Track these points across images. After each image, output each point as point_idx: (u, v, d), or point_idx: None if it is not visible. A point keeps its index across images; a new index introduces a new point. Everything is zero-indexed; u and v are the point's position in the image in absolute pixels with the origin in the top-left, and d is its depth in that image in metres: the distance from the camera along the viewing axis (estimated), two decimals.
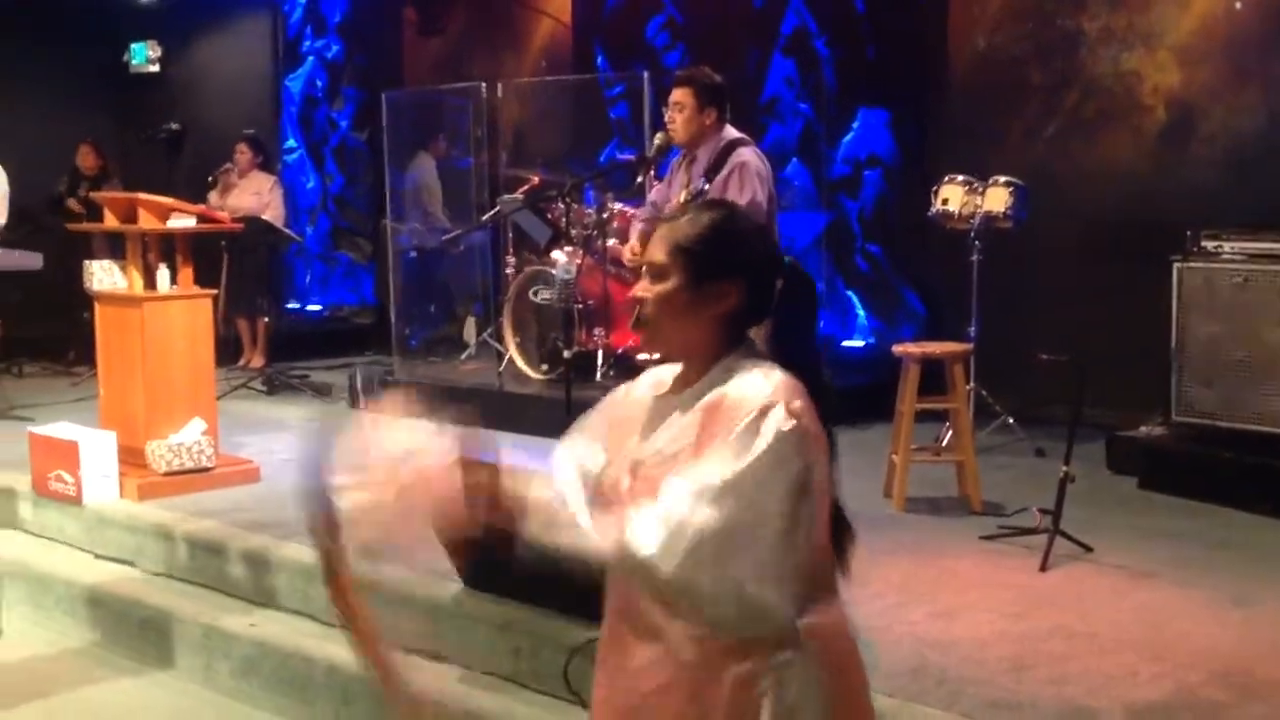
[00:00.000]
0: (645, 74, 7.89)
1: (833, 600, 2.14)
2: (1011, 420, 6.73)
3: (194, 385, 6.21)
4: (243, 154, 9.65)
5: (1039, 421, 6.63)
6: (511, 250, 8.45)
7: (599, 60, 9.79)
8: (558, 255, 7.52)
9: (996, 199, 6.69)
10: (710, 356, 2.13)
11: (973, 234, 6.72)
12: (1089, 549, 4.88)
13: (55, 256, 8.67)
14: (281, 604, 5.02)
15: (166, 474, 6.00)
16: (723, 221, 2.17)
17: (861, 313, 8.63)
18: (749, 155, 5.37)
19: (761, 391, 2.02)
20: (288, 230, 9.65)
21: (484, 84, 9.16)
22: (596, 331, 7.33)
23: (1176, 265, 5.94)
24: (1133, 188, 7.15)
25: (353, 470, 2.05)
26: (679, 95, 5.46)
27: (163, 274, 6.25)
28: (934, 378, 5.71)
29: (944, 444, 6.06)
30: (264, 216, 9.17)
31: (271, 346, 9.47)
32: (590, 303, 7.31)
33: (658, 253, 2.15)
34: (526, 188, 8.29)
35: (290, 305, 11.97)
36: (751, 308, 2.15)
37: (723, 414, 2.03)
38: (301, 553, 5.06)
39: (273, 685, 4.66)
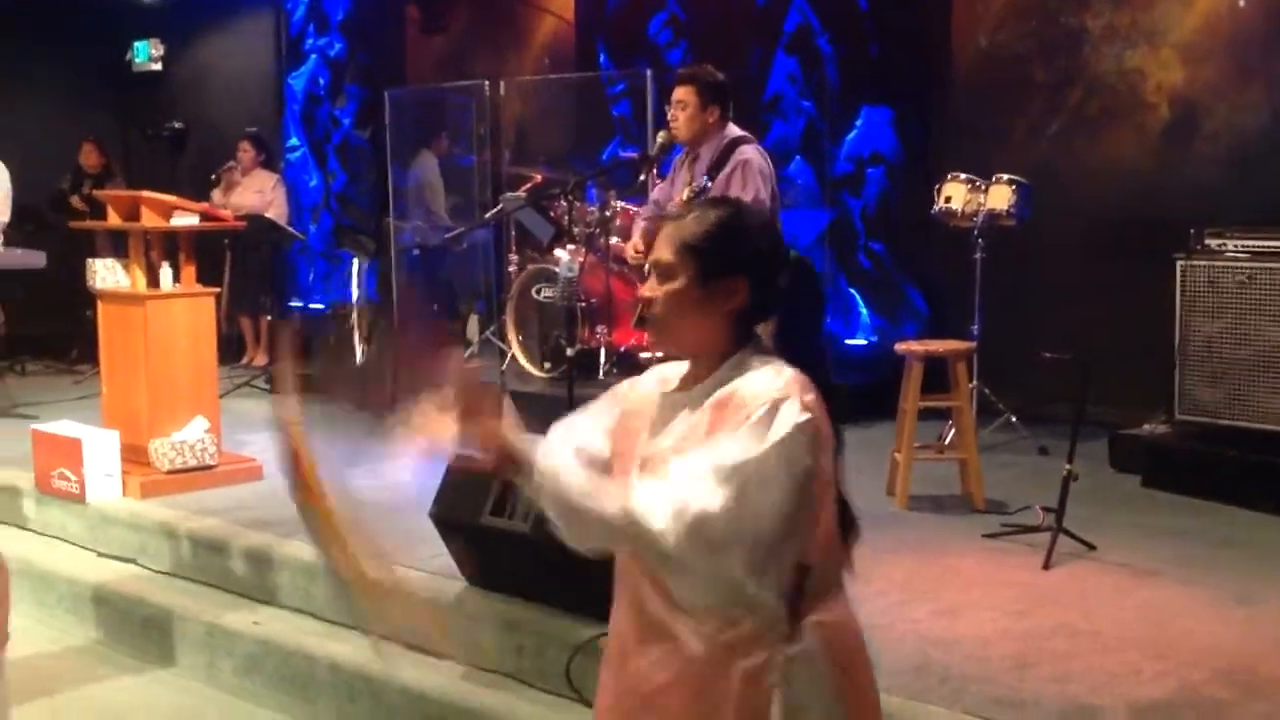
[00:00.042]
0: (648, 72, 7.91)
1: (839, 597, 2.15)
2: (1014, 418, 6.73)
3: (197, 383, 6.22)
4: (245, 152, 9.67)
5: (1042, 419, 6.62)
6: (514, 248, 8.46)
7: (602, 58, 9.78)
8: (560, 253, 7.52)
9: (999, 197, 6.69)
10: (720, 354, 2.13)
11: (976, 232, 6.72)
12: (1092, 547, 4.87)
13: (58, 255, 8.68)
14: (284, 602, 5.02)
15: (169, 472, 6.00)
16: (729, 218, 2.17)
17: (864, 311, 8.63)
18: (752, 153, 5.36)
19: (773, 386, 2.02)
20: (290, 228, 9.65)
21: (487, 82, 9.17)
22: (599, 329, 7.34)
23: (1180, 263, 5.93)
24: (1136, 185, 7.14)
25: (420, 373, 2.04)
26: (681, 93, 5.46)
27: (166, 272, 6.26)
28: (937, 376, 5.70)
29: (947, 442, 6.06)
30: (267, 215, 9.18)
31: (274, 345, 9.47)
32: (593, 301, 7.31)
33: (665, 252, 2.15)
34: (529, 186, 8.30)
35: (293, 303, 11.97)
36: (759, 304, 2.15)
37: (733, 408, 2.03)
38: (304, 551, 5.06)
39: (275, 683, 4.66)
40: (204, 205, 6.98)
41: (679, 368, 2.23)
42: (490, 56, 10.59)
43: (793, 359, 2.11)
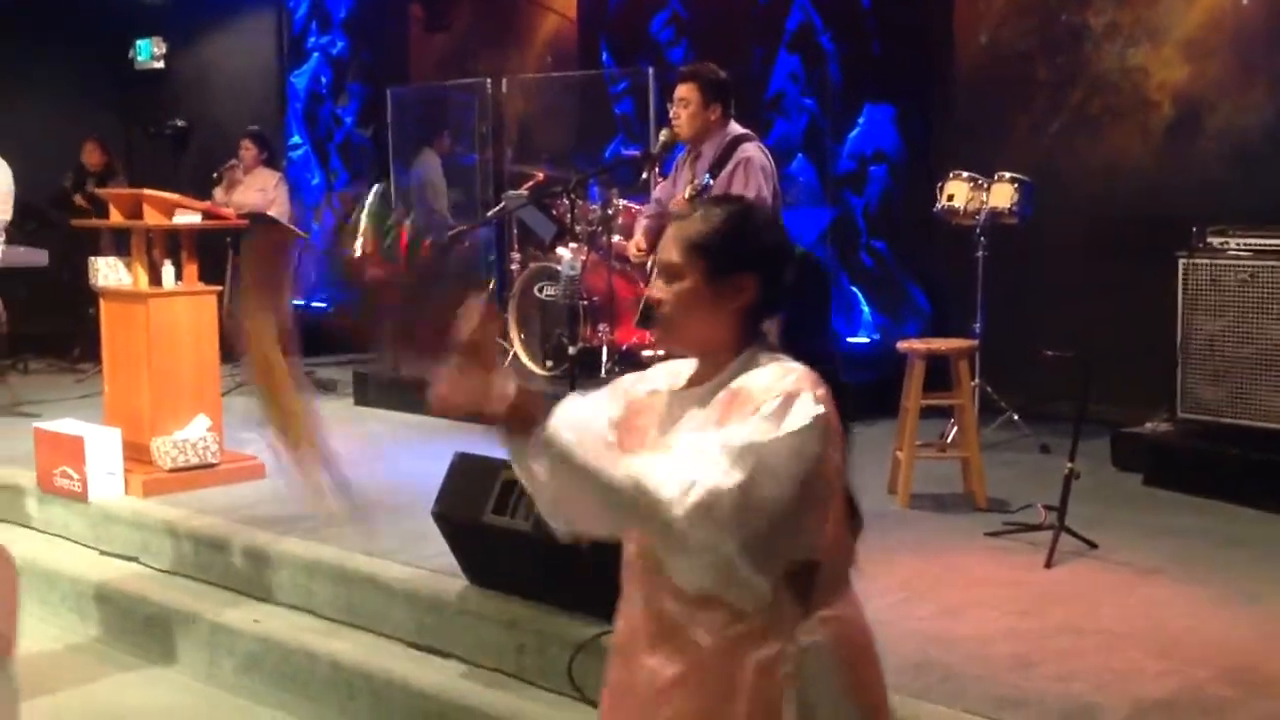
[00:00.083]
0: (650, 70, 7.90)
1: (848, 594, 2.15)
2: (1016, 416, 6.73)
3: (199, 381, 6.22)
4: (248, 150, 9.65)
5: (1044, 418, 6.62)
6: (516, 246, 8.45)
7: (604, 56, 9.77)
8: (562, 251, 7.52)
9: (1002, 195, 6.68)
10: (729, 351, 2.13)
11: (978, 230, 6.72)
12: (1094, 545, 4.87)
13: (61, 253, 8.69)
14: (285, 600, 5.02)
15: (171, 470, 6.01)
16: (736, 216, 2.16)
17: (866, 309, 8.62)
18: (753, 151, 5.36)
19: (784, 381, 2.03)
20: (293, 227, 9.65)
21: (489, 80, 9.17)
22: (601, 328, 7.33)
23: (1182, 261, 5.92)
24: (1138, 183, 7.14)
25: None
26: (683, 91, 5.46)
27: (168, 270, 6.26)
28: (939, 374, 5.70)
29: (949, 440, 6.05)
30: (269, 213, 9.17)
31: None
32: (595, 299, 7.31)
33: (671, 252, 2.14)
34: (531, 184, 8.29)
35: (295, 302, 11.96)
36: (768, 301, 2.14)
37: (743, 402, 2.03)
38: (307, 549, 5.07)
39: (276, 681, 4.67)
40: (206, 203, 6.98)
41: (686, 365, 2.22)
42: (492, 55, 10.59)
43: (800, 355, 2.11)
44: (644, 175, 6.64)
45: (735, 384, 2.07)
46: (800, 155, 8.72)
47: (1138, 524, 5.27)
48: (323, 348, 10.17)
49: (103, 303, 6.41)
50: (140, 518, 5.71)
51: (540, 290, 7.65)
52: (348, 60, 11.84)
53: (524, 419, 1.93)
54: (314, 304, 12.07)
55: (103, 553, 5.77)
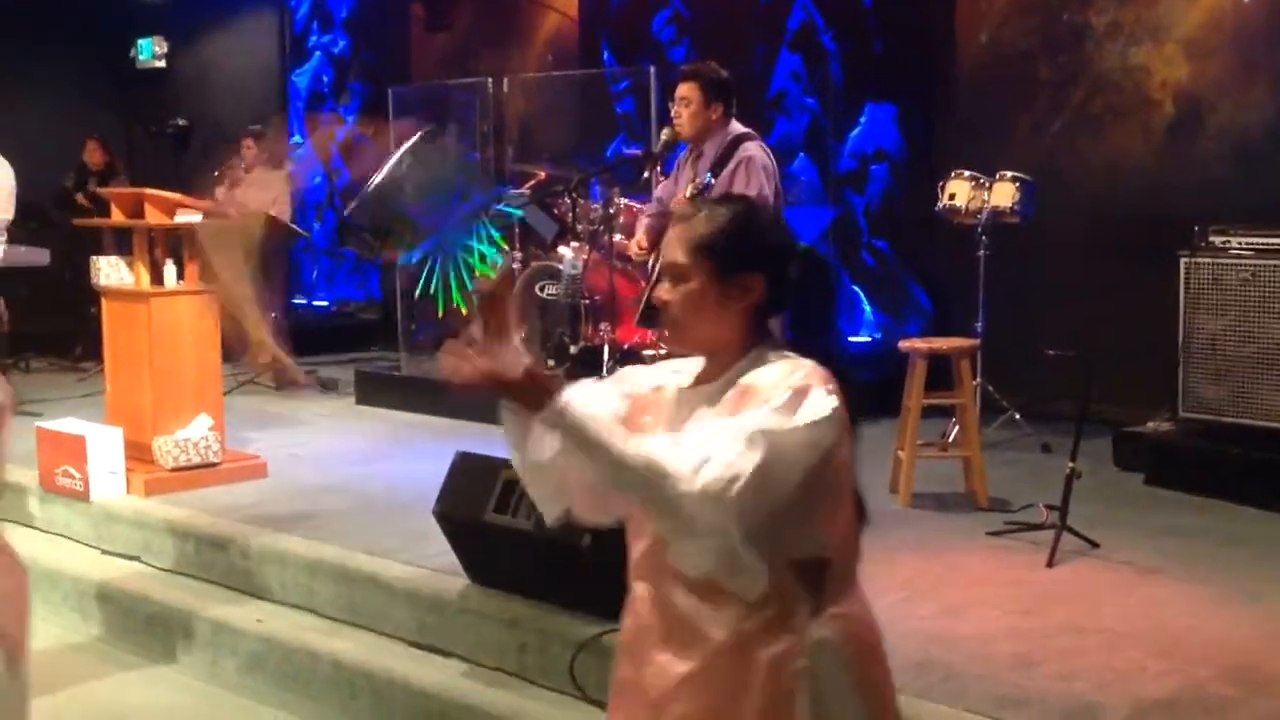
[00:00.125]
0: (651, 69, 7.88)
1: (856, 592, 2.16)
2: (1018, 416, 6.73)
3: (201, 381, 6.22)
4: (250, 149, 9.66)
5: (1045, 417, 6.62)
6: (518, 245, 8.44)
7: (605, 55, 9.77)
8: (564, 250, 7.52)
9: (1003, 194, 6.68)
10: (738, 350, 2.13)
11: (980, 229, 6.72)
12: (1096, 545, 4.87)
13: (62, 252, 8.69)
14: (287, 600, 5.02)
15: (173, 469, 6.01)
16: (740, 215, 2.16)
17: (868, 308, 8.62)
18: (755, 150, 5.36)
19: (795, 376, 2.03)
20: (294, 225, 9.65)
21: (490, 79, 9.14)
22: (602, 327, 7.32)
23: (1184, 260, 5.92)
24: (1140, 182, 7.13)
25: None
26: (685, 90, 5.46)
27: (169, 269, 6.26)
28: (940, 373, 5.70)
29: (950, 440, 6.05)
30: (271, 212, 9.16)
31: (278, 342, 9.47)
32: (596, 298, 7.30)
33: (677, 254, 2.13)
34: (533, 183, 8.28)
35: (297, 300, 11.97)
36: (775, 298, 2.15)
37: (755, 396, 2.03)
38: (308, 549, 5.07)
39: (278, 680, 4.67)
40: (208, 202, 6.97)
41: (692, 363, 2.22)
42: (494, 54, 10.59)
43: (807, 352, 2.11)
44: (645, 174, 6.63)
45: (745, 380, 2.07)
46: (802, 154, 8.72)
47: (1139, 523, 5.27)
48: (324, 347, 10.20)
49: (104, 302, 6.41)
50: (142, 517, 5.72)
51: (542, 289, 7.65)
52: (349, 59, 11.84)
53: (537, 389, 1.94)
54: (315, 303, 12.09)
55: (104, 552, 5.77)
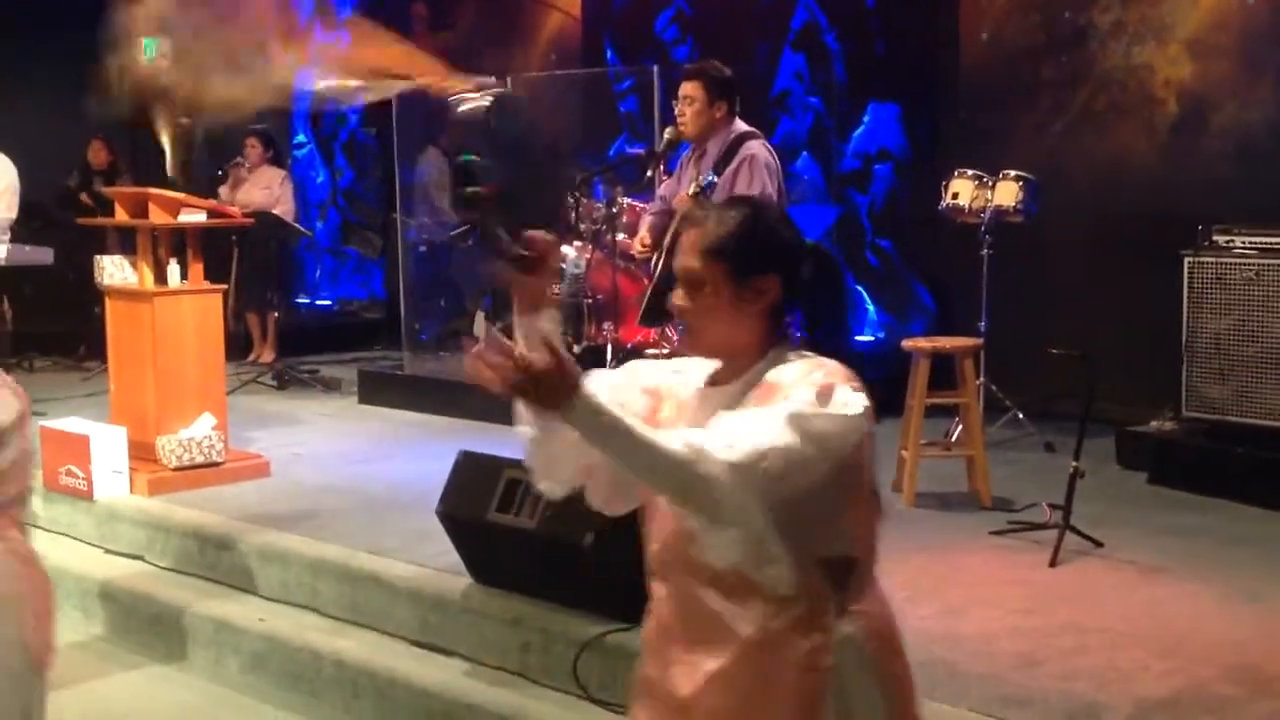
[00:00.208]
0: (655, 68, 7.87)
1: (875, 591, 2.17)
2: (1021, 415, 6.72)
3: (204, 380, 6.23)
4: (253, 149, 9.67)
5: (1049, 416, 6.61)
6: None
7: (608, 54, 9.78)
8: (567, 250, 7.52)
9: (1007, 193, 6.68)
10: (756, 352, 2.12)
11: (983, 228, 6.71)
12: (1099, 544, 4.86)
13: (66, 251, 8.68)
14: (290, 599, 5.02)
15: (177, 469, 6.01)
16: (749, 217, 2.15)
17: (871, 307, 8.62)
18: (758, 149, 5.36)
19: (817, 374, 2.04)
20: (298, 225, 9.66)
21: (493, 79, 9.14)
22: (606, 326, 7.33)
23: (1187, 259, 5.92)
24: (1144, 181, 7.12)
25: None
26: (688, 89, 5.46)
27: (173, 269, 6.26)
28: (944, 372, 5.70)
29: (953, 439, 6.05)
30: (274, 211, 9.18)
31: (281, 341, 9.48)
32: (599, 297, 7.31)
33: (690, 260, 2.12)
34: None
35: (300, 300, 11.98)
36: (790, 298, 2.14)
37: (778, 392, 2.02)
38: (311, 548, 5.08)
39: (281, 679, 4.67)
40: (211, 202, 6.98)
41: (696, 363, 2.22)
42: (497, 53, 10.58)
43: (822, 350, 2.12)
44: (649, 173, 6.63)
45: (768, 378, 2.07)
46: (805, 154, 8.72)
47: (1142, 523, 5.27)
48: (327, 346, 10.20)
49: (108, 301, 6.42)
50: (145, 516, 5.72)
51: None
52: None
53: (564, 378, 1.87)
54: (318, 302, 12.09)
55: (108, 551, 5.77)
